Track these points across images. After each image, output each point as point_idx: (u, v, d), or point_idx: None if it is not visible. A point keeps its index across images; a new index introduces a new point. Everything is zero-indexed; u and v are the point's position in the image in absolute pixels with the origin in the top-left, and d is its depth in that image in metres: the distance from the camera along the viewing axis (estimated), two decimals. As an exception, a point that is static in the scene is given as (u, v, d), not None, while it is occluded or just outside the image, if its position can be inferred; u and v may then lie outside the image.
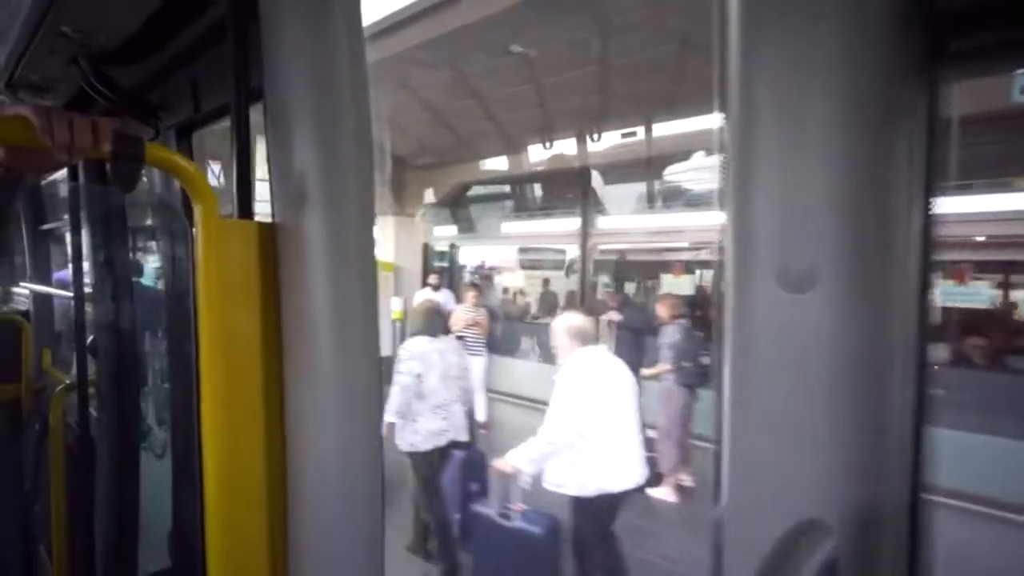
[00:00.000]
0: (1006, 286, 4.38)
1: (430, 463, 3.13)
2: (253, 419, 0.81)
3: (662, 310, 4.42)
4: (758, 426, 0.41)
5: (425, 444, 3.10)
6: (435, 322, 3.35)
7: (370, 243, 0.81)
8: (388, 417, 3.06)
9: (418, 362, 3.11)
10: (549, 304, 8.40)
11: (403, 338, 7.20)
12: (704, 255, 6.92)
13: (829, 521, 0.33)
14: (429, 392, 3.10)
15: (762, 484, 0.37)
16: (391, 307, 7.72)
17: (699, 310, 6.03)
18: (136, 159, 0.67)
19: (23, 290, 2.93)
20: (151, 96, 1.21)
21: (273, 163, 0.82)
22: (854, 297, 0.35)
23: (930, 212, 0.37)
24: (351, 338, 0.81)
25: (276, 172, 0.81)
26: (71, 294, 1.66)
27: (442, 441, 3.14)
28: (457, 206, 8.85)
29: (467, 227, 9.02)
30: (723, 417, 0.43)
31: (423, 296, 6.70)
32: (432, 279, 7.41)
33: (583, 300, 7.23)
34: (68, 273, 1.88)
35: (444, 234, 9.28)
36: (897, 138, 0.34)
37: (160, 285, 1.75)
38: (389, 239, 8.35)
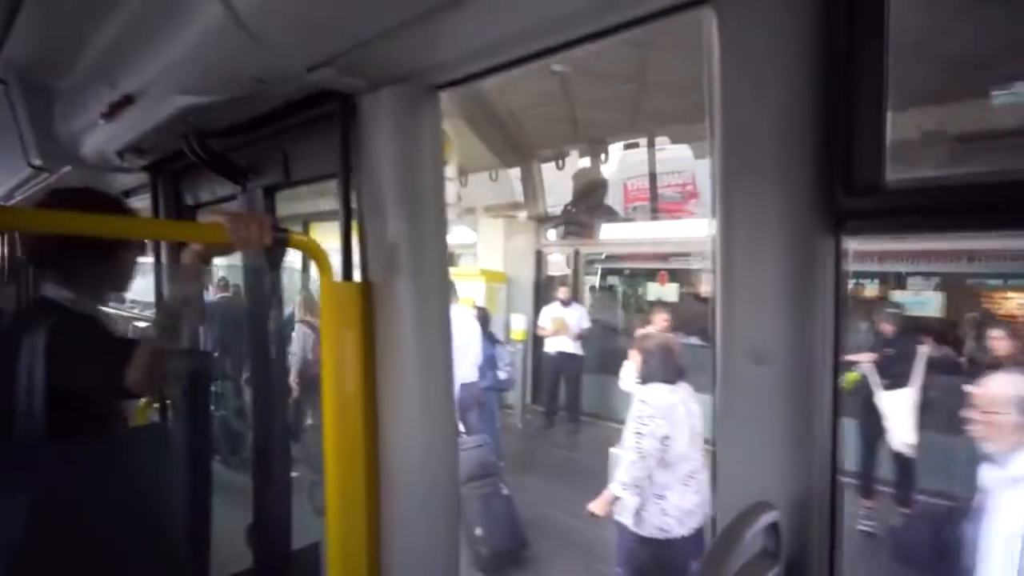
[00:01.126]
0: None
1: (684, 551, 2.37)
2: (356, 443, 1.05)
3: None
4: (736, 433, 0.65)
5: (681, 527, 2.36)
6: (671, 362, 2.51)
7: (446, 299, 1.06)
8: (618, 490, 2.41)
9: (663, 420, 2.35)
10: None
11: (534, 361, 6.43)
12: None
13: (774, 500, 0.56)
14: (677, 459, 2.37)
15: (735, 474, 0.61)
16: (511, 325, 6.48)
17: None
18: (284, 243, 0.91)
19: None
20: (240, 161, 1.45)
21: (369, 231, 1.06)
22: (796, 368, 0.60)
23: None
24: (431, 374, 1.06)
25: (371, 239, 1.06)
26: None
27: (697, 521, 2.41)
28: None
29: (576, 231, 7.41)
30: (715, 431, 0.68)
31: (552, 313, 5.98)
32: (562, 292, 6.20)
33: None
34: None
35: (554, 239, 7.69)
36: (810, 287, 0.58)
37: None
38: (496, 245, 7.08)
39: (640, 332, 3.97)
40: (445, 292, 1.06)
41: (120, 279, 1.14)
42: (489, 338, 4.69)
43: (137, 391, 0.96)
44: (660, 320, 4.64)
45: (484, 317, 4.85)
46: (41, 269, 1.09)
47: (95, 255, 1.05)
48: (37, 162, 1.83)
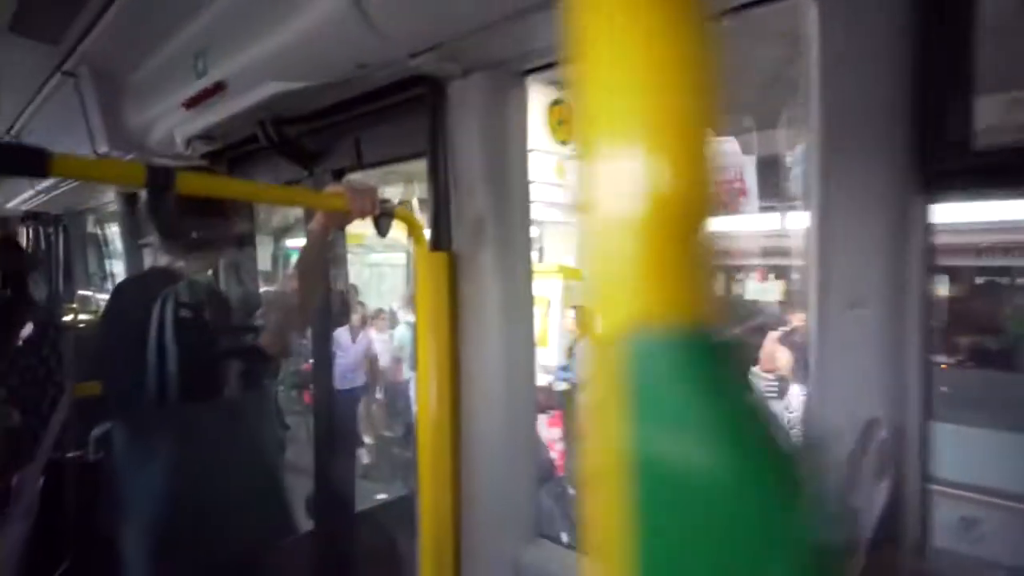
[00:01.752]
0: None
1: None
2: (444, 402, 1.13)
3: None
4: (832, 369, 0.74)
5: None
6: None
7: (528, 272, 1.14)
8: None
9: None
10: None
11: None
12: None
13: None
14: None
15: (834, 397, 0.70)
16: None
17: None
18: (390, 214, 1.00)
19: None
20: (310, 145, 1.53)
21: (455, 206, 1.14)
22: (890, 311, 0.68)
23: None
24: (513, 341, 1.13)
25: (458, 213, 1.14)
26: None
27: None
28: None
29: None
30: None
31: None
32: None
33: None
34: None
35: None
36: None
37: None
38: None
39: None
40: (527, 266, 1.14)
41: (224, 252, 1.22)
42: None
43: (270, 352, 1.05)
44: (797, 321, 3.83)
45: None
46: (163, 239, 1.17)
47: (208, 228, 1.14)
48: (103, 149, 1.91)
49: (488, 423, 1.14)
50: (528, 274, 1.14)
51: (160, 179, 0.71)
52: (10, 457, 1.39)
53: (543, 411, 3.72)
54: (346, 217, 0.99)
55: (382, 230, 1.00)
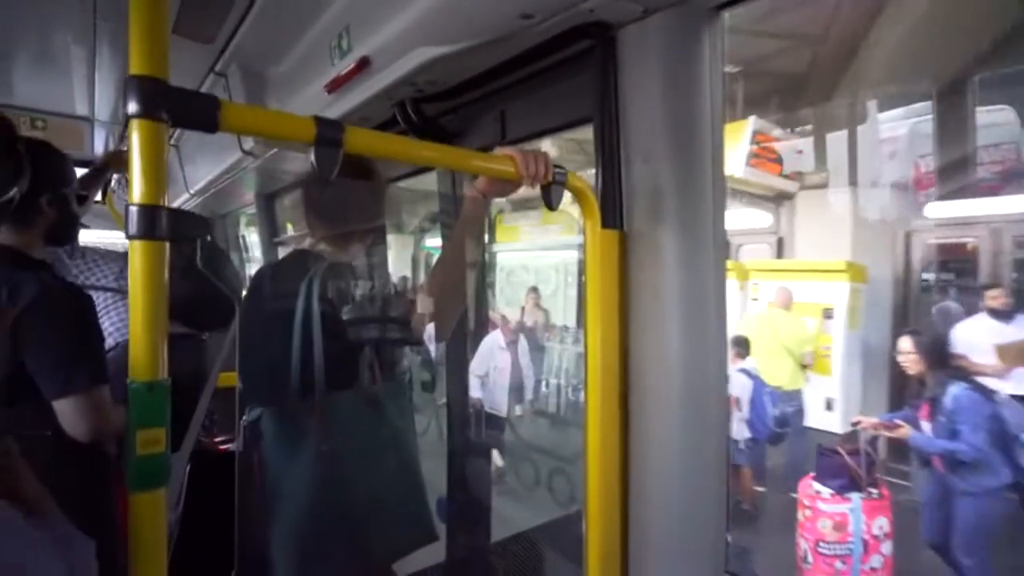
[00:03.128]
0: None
1: None
2: (612, 400, 0.96)
3: None
4: None
5: None
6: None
7: (720, 260, 0.93)
8: None
9: None
10: None
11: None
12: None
13: None
14: None
15: None
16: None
17: None
18: (562, 183, 0.85)
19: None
20: (449, 125, 1.44)
21: (628, 178, 0.96)
22: None
23: None
24: (694, 330, 0.93)
25: (632, 185, 0.96)
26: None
27: None
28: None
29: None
30: None
31: (988, 330, 3.39)
32: (996, 298, 3.54)
33: None
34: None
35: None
36: None
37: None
38: (825, 227, 5.03)
39: None
40: (721, 249, 0.93)
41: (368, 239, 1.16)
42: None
43: (420, 338, 0.96)
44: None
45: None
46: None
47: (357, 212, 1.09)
48: (248, 147, 1.99)
49: (665, 436, 0.95)
50: (720, 259, 0.93)
51: (329, 133, 0.61)
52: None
53: (835, 476, 2.59)
54: (511, 184, 0.87)
55: (553, 201, 0.85)
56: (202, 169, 2.76)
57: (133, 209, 0.50)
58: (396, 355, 1.09)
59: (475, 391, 3.46)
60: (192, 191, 2.99)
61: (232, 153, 2.10)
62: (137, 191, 0.50)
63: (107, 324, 1.57)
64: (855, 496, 2.57)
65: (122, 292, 1.61)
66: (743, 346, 3.76)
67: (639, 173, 0.95)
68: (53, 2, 1.62)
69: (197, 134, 2.07)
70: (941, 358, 2.65)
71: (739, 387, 3.54)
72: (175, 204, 3.67)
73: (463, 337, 1.59)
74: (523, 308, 4.76)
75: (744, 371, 3.64)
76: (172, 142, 2.76)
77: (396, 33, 1.10)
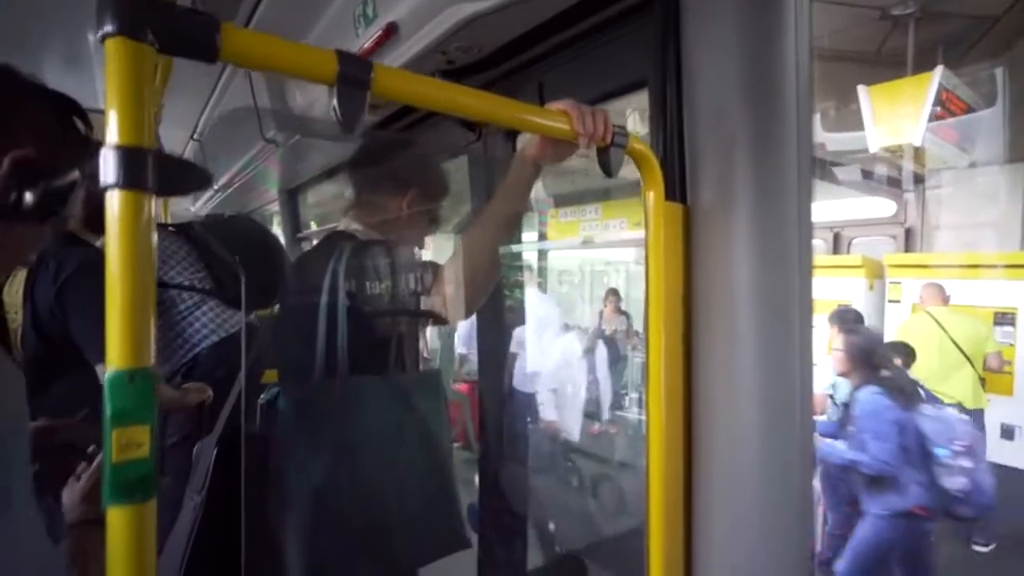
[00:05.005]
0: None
1: None
2: (675, 389, 0.83)
3: None
4: None
5: None
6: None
7: (808, 240, 0.79)
8: None
9: None
10: None
11: None
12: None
13: None
14: None
15: None
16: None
17: None
18: (622, 146, 0.72)
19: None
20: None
21: (692, 146, 0.83)
22: None
23: None
24: (773, 333, 0.79)
25: (695, 154, 0.83)
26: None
27: None
28: None
29: None
30: None
31: None
32: None
33: None
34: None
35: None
36: None
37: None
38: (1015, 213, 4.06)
39: None
40: (806, 226, 0.80)
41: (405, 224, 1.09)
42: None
43: (446, 315, 0.86)
44: None
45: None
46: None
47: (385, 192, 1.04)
48: (271, 134, 1.91)
49: (734, 443, 0.81)
50: (805, 238, 0.80)
51: (354, 71, 0.51)
52: (194, 427, 1.39)
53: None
54: (565, 146, 0.75)
55: (611, 166, 0.73)
56: (224, 164, 2.71)
57: (110, 153, 0.39)
58: (423, 342, 1.00)
59: (549, 411, 2.90)
60: (216, 187, 2.95)
61: (254, 143, 2.03)
62: (114, 131, 0.39)
63: (198, 325, 1.54)
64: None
65: (206, 292, 1.58)
66: (906, 354, 2.98)
67: (705, 138, 0.82)
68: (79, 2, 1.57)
69: (220, 125, 2.02)
70: None
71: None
72: (199, 204, 3.65)
73: (498, 333, 1.48)
74: (601, 312, 4.32)
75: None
76: (195, 137, 2.72)
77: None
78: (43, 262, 1.09)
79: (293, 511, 0.94)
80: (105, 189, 0.39)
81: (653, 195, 0.78)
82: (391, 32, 1.12)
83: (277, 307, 1.24)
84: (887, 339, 3.40)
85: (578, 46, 1.07)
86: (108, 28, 0.39)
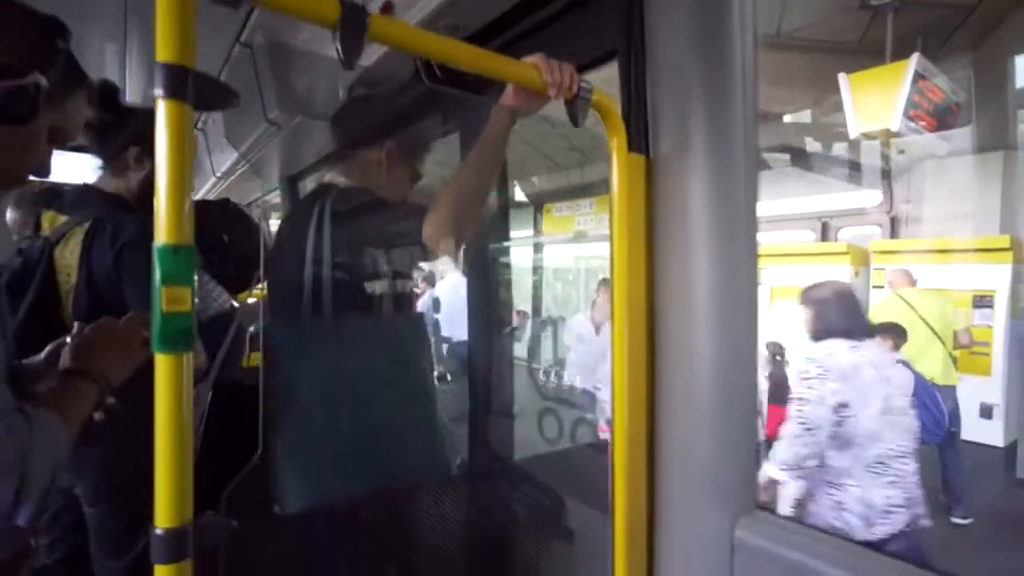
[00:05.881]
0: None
1: None
2: (638, 330, 0.94)
3: None
4: None
5: (867, 529, 1.77)
6: (851, 314, 2.03)
7: (753, 188, 0.90)
8: (773, 471, 1.90)
9: (840, 384, 1.86)
10: None
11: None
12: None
13: None
14: (862, 437, 1.82)
15: None
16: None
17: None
18: (587, 99, 0.83)
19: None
20: (469, 79, 1.43)
21: (654, 104, 0.94)
22: None
23: None
24: (724, 264, 0.90)
25: (657, 111, 0.94)
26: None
27: (897, 524, 1.80)
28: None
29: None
30: None
31: None
32: None
33: None
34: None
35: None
36: None
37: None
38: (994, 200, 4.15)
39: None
40: (752, 174, 0.90)
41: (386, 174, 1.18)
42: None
43: (433, 246, 0.96)
44: None
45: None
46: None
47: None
48: (273, 116, 2.01)
49: (690, 364, 0.92)
50: (751, 183, 0.90)
51: (353, 17, 0.61)
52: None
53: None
54: (537, 98, 0.85)
55: (577, 117, 0.83)
56: (227, 152, 2.80)
57: (159, 68, 0.50)
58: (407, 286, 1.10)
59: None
60: (218, 174, 3.04)
61: (257, 126, 2.13)
62: (163, 50, 0.50)
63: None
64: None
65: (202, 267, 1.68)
66: (898, 334, 3.09)
67: (664, 94, 0.92)
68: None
69: (222, 116, 2.11)
70: None
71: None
72: (202, 191, 3.74)
73: (488, 319, 1.57)
74: (593, 302, 4.35)
75: (903, 363, 2.87)
76: (199, 126, 2.81)
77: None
78: (101, 227, 1.15)
79: (282, 433, 1.02)
80: (158, 98, 0.50)
81: (616, 144, 0.88)
82: (386, 11, 1.22)
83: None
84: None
85: (554, 24, 1.18)
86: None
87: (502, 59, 0.78)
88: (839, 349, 1.93)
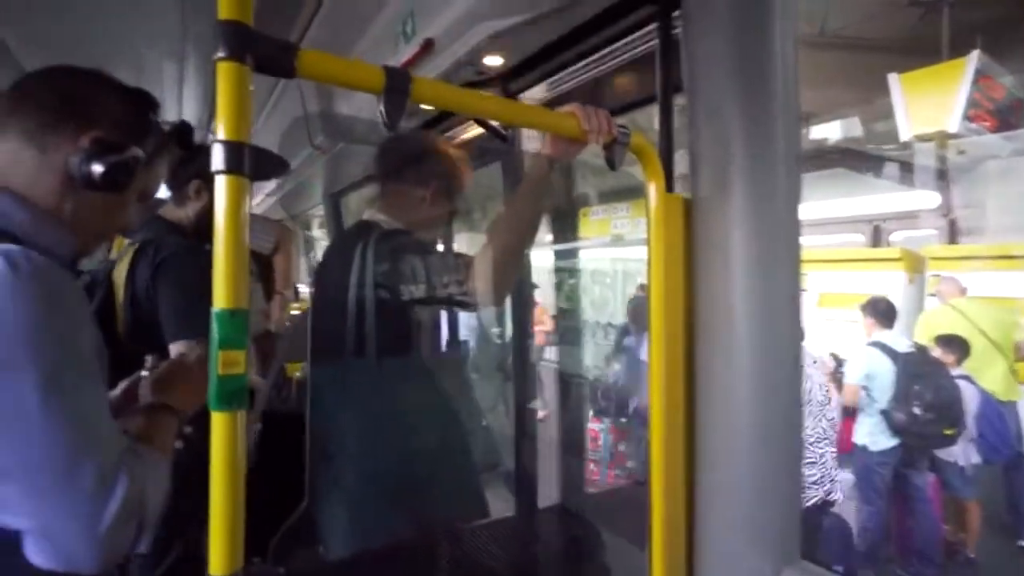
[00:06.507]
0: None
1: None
2: (676, 371, 0.92)
3: None
4: None
5: None
6: None
7: (795, 229, 0.88)
8: None
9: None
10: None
11: None
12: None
13: None
14: None
15: None
16: None
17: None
18: (625, 143, 0.83)
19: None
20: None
21: (695, 145, 0.93)
22: None
23: None
24: (769, 318, 0.87)
25: (698, 153, 0.93)
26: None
27: (815, 497, 2.21)
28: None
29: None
30: None
31: None
32: None
33: None
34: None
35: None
36: None
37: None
38: None
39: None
40: (793, 211, 0.87)
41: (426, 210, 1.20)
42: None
43: (477, 300, 0.97)
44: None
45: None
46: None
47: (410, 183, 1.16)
48: (318, 141, 2.09)
49: (731, 404, 0.90)
50: (792, 222, 0.88)
51: (397, 82, 0.63)
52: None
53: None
54: (575, 145, 0.86)
55: (615, 161, 0.83)
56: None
57: (219, 146, 0.53)
58: (453, 326, 1.11)
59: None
60: (267, 191, 3.18)
61: (303, 149, 2.22)
62: (223, 129, 0.53)
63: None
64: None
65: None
66: (960, 348, 2.98)
67: (705, 135, 0.91)
68: (147, 24, 1.78)
69: (268, 131, 2.22)
70: None
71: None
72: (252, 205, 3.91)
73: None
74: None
75: (966, 378, 2.90)
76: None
77: (461, 11, 1.13)
78: (147, 246, 1.20)
79: (329, 470, 1.06)
80: (217, 174, 0.53)
81: (655, 186, 0.88)
82: (427, 48, 1.25)
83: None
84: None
85: (594, 62, 1.19)
86: (220, 53, 0.53)
87: (540, 110, 0.80)
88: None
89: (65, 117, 0.67)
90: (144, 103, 0.76)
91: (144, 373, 0.87)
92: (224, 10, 0.53)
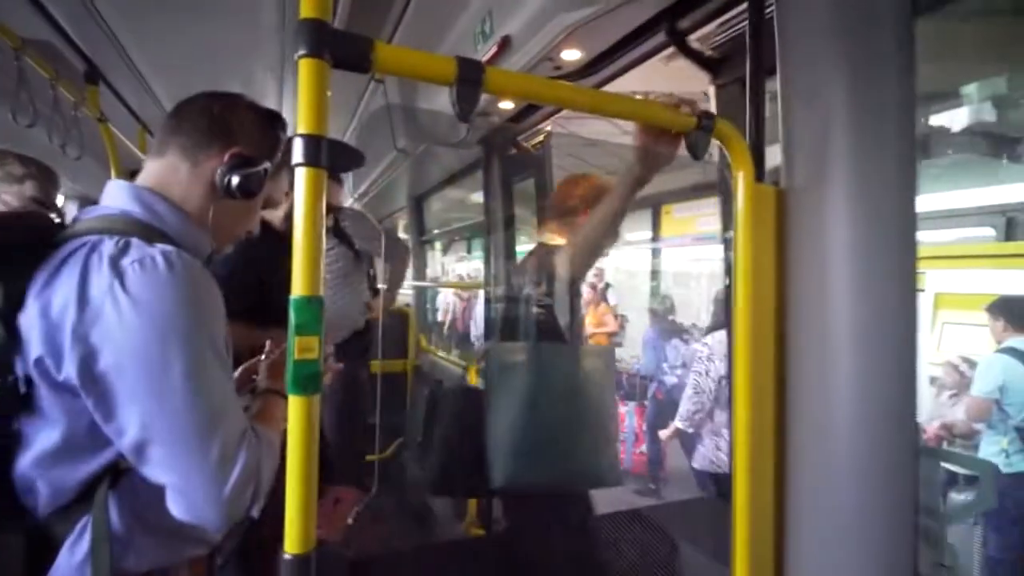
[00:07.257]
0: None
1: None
2: (766, 369, 0.84)
3: None
4: None
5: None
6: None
7: (910, 224, 0.77)
8: (678, 422, 2.61)
9: (722, 363, 2.46)
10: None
11: None
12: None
13: None
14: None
15: None
16: None
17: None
18: (708, 130, 0.78)
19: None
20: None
21: (790, 133, 0.85)
22: None
23: None
24: (872, 322, 0.77)
25: (792, 140, 0.85)
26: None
27: None
28: None
29: None
30: None
31: None
32: None
33: None
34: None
35: None
36: None
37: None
38: None
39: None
40: (907, 213, 0.77)
41: None
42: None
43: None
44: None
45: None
46: None
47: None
48: (401, 145, 2.17)
49: (830, 435, 0.80)
50: (907, 219, 0.77)
51: (468, 72, 0.63)
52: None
53: None
54: (665, 137, 0.83)
55: (699, 150, 0.78)
56: (362, 174, 3.08)
57: (299, 139, 0.55)
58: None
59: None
60: (356, 195, 3.35)
61: (388, 153, 2.31)
62: (302, 123, 0.55)
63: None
64: None
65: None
66: None
67: (801, 120, 0.83)
68: (251, 41, 1.93)
69: (358, 138, 2.33)
70: None
71: None
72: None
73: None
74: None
75: None
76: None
77: (537, 5, 1.12)
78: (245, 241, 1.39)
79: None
80: (296, 166, 0.55)
81: (743, 176, 0.81)
82: (505, 44, 1.25)
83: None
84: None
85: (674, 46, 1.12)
86: (301, 51, 0.55)
87: (626, 99, 0.76)
88: (722, 336, 2.47)
89: (214, 137, 0.78)
90: (276, 122, 0.86)
91: (262, 358, 0.95)
92: (305, 9, 0.55)
